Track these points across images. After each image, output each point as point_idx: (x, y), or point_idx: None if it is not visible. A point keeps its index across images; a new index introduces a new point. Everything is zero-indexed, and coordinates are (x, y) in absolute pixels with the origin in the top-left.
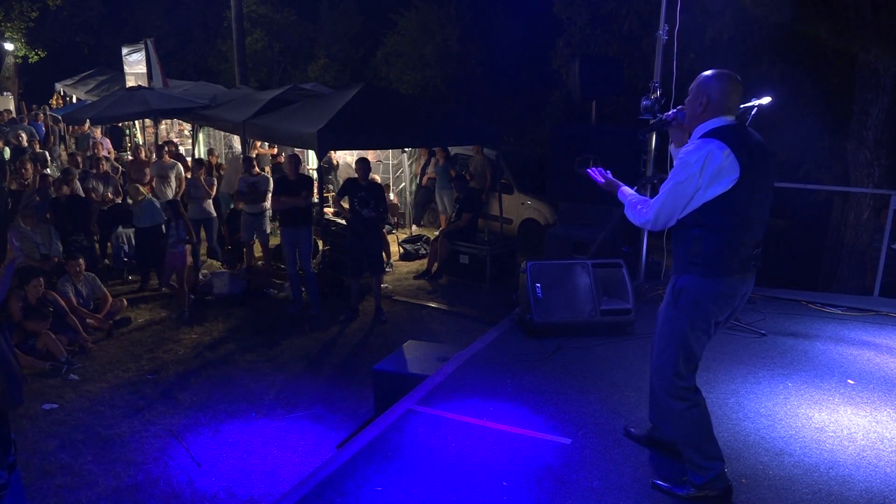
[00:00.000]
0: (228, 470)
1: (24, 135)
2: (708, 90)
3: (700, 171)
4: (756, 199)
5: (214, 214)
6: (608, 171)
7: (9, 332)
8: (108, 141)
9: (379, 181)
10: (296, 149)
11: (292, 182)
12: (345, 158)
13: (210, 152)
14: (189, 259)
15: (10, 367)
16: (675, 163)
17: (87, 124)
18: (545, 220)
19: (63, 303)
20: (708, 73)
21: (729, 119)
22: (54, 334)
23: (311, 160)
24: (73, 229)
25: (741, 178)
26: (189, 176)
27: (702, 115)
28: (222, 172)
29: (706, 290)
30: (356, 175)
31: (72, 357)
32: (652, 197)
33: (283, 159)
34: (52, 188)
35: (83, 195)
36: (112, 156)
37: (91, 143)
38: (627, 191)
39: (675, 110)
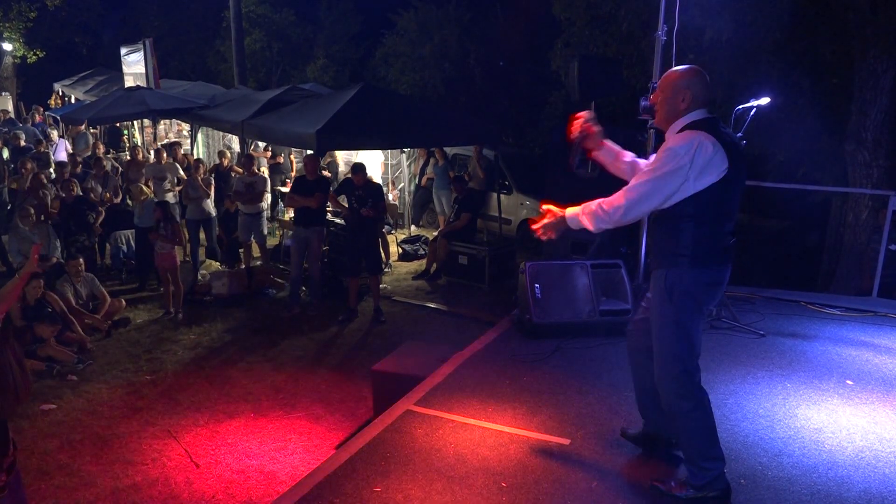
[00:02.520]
0: (227, 471)
1: (22, 135)
2: (689, 85)
3: (690, 162)
4: (737, 190)
5: (214, 214)
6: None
7: (15, 339)
8: (68, 143)
9: (376, 181)
10: (294, 149)
11: (310, 182)
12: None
13: (221, 154)
14: (178, 261)
15: (10, 378)
16: (660, 153)
17: (85, 124)
18: None
19: (61, 304)
20: (681, 68)
21: (707, 113)
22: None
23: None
24: (76, 229)
25: (729, 169)
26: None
27: (685, 111)
28: (233, 174)
29: (698, 280)
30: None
31: (77, 355)
32: None
33: (281, 160)
34: (61, 188)
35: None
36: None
37: (53, 147)
38: (578, 208)
39: (576, 134)
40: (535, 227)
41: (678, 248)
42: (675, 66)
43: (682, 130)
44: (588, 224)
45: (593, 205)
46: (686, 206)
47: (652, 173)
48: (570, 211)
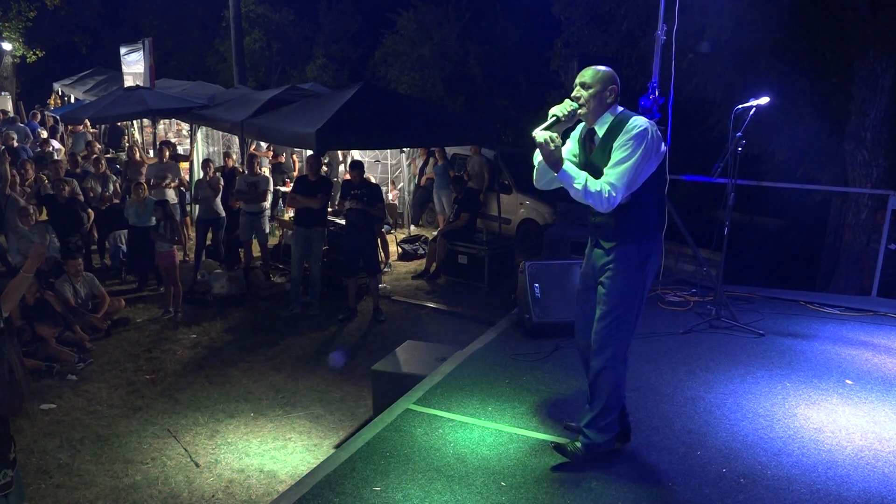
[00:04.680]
0: (227, 470)
1: (14, 135)
2: (614, 81)
3: (651, 141)
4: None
5: (223, 214)
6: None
7: (17, 338)
8: (56, 142)
9: (374, 181)
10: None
11: (311, 183)
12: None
13: (227, 155)
14: (177, 260)
15: (14, 378)
16: (626, 140)
17: (88, 123)
18: (543, 220)
19: (61, 303)
20: (601, 67)
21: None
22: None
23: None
24: (71, 229)
25: (664, 148)
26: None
27: (612, 103)
28: (238, 176)
29: (660, 247)
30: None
31: (77, 355)
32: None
33: (283, 159)
34: (52, 187)
35: (80, 195)
36: (62, 154)
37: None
38: (578, 175)
39: (565, 111)
40: (538, 135)
41: (649, 220)
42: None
43: (616, 119)
44: (576, 195)
45: (596, 185)
46: (650, 182)
47: (629, 159)
48: (570, 171)
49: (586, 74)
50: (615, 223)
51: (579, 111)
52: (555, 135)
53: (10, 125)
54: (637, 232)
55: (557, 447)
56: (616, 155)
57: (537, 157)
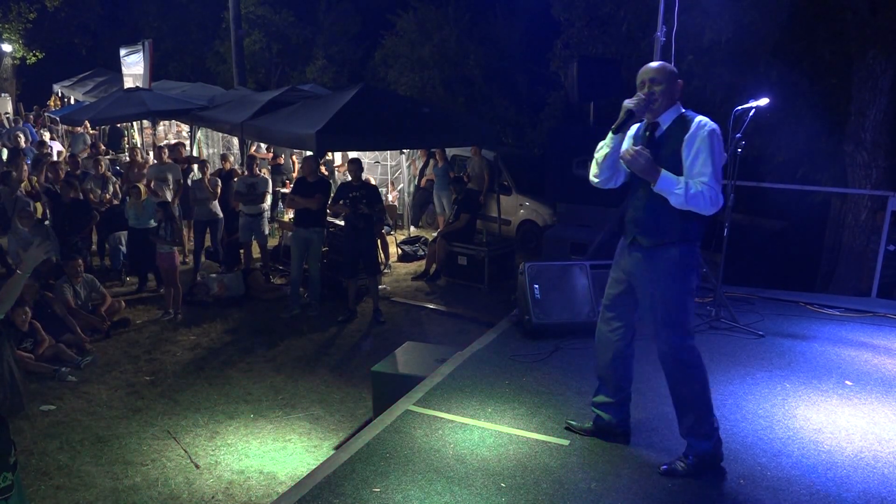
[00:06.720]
0: (227, 471)
1: (21, 137)
2: (676, 77)
3: (721, 138)
4: None
5: (221, 216)
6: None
7: (13, 341)
8: (57, 143)
9: (373, 183)
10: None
11: (310, 184)
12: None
13: (224, 157)
14: (178, 261)
15: (14, 378)
16: (705, 140)
17: (87, 125)
18: (543, 222)
19: (60, 304)
20: (662, 63)
21: None
22: (52, 336)
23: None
24: (71, 231)
25: None
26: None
27: (677, 99)
28: (235, 179)
29: (699, 258)
30: (350, 178)
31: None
32: None
33: (282, 161)
34: (60, 189)
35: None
36: (63, 157)
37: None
38: (677, 181)
39: (640, 104)
40: (626, 151)
41: (691, 225)
42: (674, 67)
43: (680, 116)
44: (678, 202)
45: (696, 186)
46: None
47: (712, 156)
48: (669, 178)
49: (652, 71)
50: (656, 217)
51: (652, 105)
52: (639, 147)
53: (13, 126)
54: (676, 232)
55: (667, 471)
56: (701, 156)
57: (600, 151)
